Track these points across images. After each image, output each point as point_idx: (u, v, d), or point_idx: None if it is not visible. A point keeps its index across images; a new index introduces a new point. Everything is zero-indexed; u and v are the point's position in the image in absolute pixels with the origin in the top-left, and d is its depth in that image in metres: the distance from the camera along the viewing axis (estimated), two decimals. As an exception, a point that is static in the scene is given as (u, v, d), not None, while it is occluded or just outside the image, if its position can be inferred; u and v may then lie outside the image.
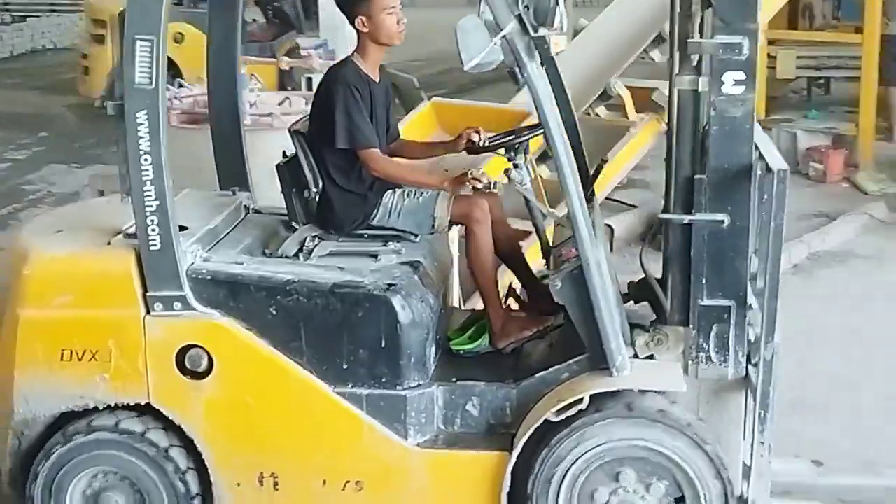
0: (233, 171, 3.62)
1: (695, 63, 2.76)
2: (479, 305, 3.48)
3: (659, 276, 3.04)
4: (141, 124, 2.70)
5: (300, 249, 3.11)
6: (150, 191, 2.74)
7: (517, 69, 2.65)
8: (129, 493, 2.95)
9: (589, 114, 5.73)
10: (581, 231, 2.73)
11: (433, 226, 3.21)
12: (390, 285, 2.87)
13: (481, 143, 3.31)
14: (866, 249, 6.24)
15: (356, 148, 3.04)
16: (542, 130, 3.19)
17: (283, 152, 3.36)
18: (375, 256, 3.11)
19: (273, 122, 4.43)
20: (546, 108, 2.68)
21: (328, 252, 3.12)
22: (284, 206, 3.38)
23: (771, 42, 8.26)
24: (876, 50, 7.76)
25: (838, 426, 4.11)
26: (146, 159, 2.72)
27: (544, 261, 3.38)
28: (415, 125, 5.72)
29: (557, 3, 2.58)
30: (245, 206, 3.52)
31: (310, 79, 5.61)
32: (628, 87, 5.60)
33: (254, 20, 11.00)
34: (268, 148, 4.01)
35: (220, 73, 3.60)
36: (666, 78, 5.57)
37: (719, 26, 2.64)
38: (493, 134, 3.43)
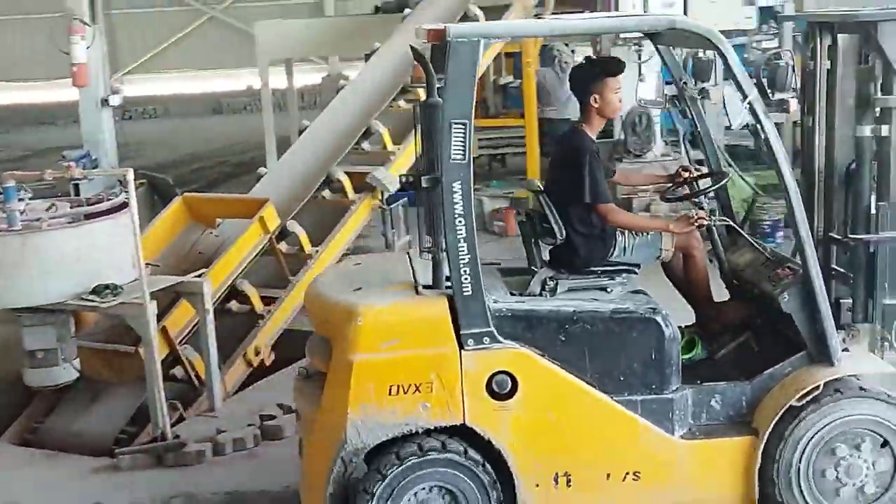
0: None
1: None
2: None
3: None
4: (456, 192, 3.15)
5: (543, 288, 3.60)
6: (463, 246, 3.18)
7: (758, 126, 3.24)
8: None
9: (316, 197, 6.59)
10: (809, 254, 3.31)
11: (658, 257, 3.78)
12: (653, 309, 3.38)
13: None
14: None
15: (599, 203, 3.56)
16: (725, 180, 3.85)
17: (517, 211, 3.86)
18: (605, 289, 3.62)
19: (42, 225, 4.84)
20: (781, 157, 3.27)
21: (567, 289, 3.59)
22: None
23: None
24: (535, 130, 9.45)
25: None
26: (460, 221, 3.16)
27: (727, 286, 3.99)
28: (169, 218, 6.14)
29: (794, 72, 3.21)
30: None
31: (76, 185, 6.16)
32: (346, 173, 6.46)
33: None
34: (40, 249, 4.72)
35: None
36: (374, 164, 6.44)
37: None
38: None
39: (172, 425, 4.83)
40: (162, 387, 4.68)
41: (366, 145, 6.79)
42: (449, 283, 3.28)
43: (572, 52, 11.01)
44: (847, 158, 3.63)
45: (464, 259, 3.19)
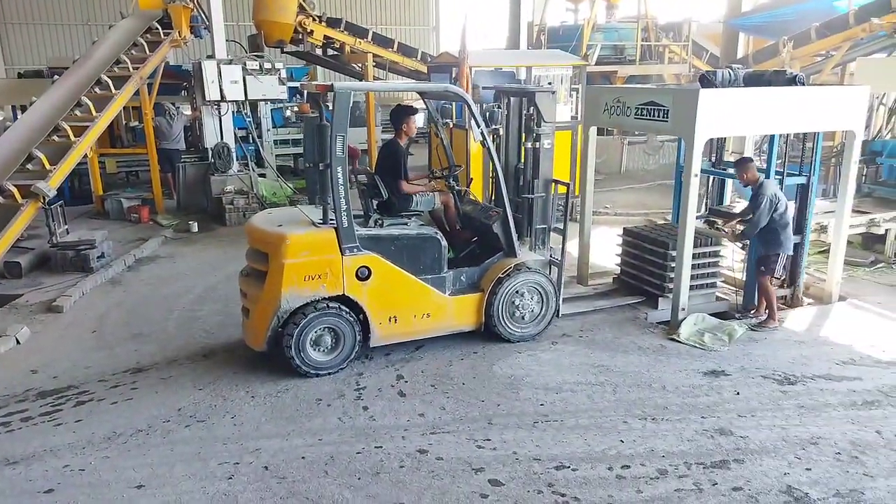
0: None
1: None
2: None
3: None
4: (338, 173, 5.21)
5: (376, 223, 5.73)
6: (342, 202, 5.26)
7: (483, 139, 5.70)
8: (331, 336, 5.44)
9: None
10: (506, 204, 5.93)
11: (434, 206, 6.19)
12: (435, 232, 5.76)
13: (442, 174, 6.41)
14: (165, 252, 9.80)
15: (402, 179, 5.92)
16: (459, 170, 6.36)
17: (360, 182, 6.04)
18: (406, 224, 5.88)
19: None
20: (495, 156, 5.85)
21: (389, 224, 5.77)
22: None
23: (101, 154, 12.73)
24: (155, 156, 11.87)
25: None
26: (339, 190, 5.23)
27: (461, 222, 6.50)
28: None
29: (499, 115, 5.80)
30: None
31: None
32: (15, 185, 7.52)
33: None
34: None
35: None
36: (37, 179, 7.68)
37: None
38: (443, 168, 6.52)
39: None
40: None
41: (30, 166, 7.98)
42: (332, 220, 5.35)
43: (177, 108, 13.57)
44: (518, 159, 6.43)
45: (343, 208, 5.28)
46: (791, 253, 6.62)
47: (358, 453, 4.46)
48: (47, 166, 7.89)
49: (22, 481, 4.25)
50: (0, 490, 4.17)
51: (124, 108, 11.30)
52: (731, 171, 7.38)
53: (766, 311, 6.60)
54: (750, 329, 6.42)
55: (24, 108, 14.87)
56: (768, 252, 6.43)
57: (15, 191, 7.45)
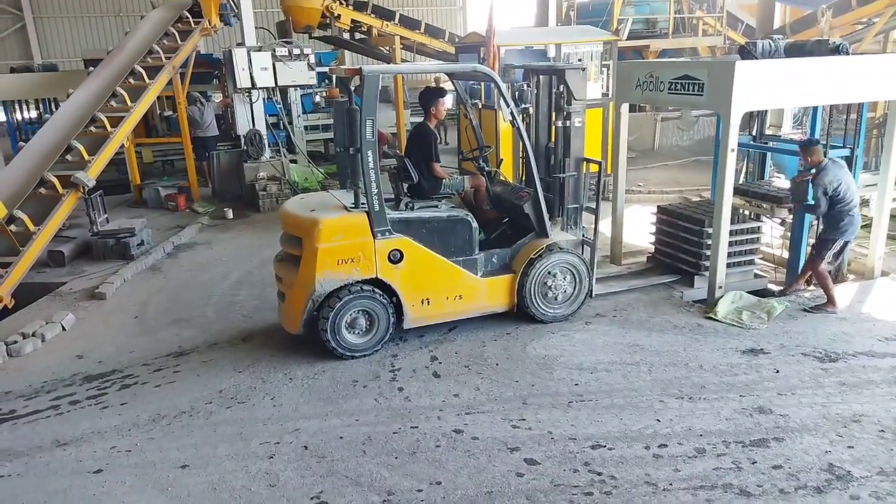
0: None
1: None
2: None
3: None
4: (369, 156, 5.22)
5: (407, 206, 5.73)
6: (373, 185, 5.27)
7: (513, 119, 5.67)
8: (366, 318, 5.48)
9: (35, 193, 7.52)
10: (536, 184, 5.89)
11: (464, 188, 6.17)
12: (466, 214, 5.74)
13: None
14: (202, 239, 9.95)
15: (434, 161, 5.88)
16: (488, 151, 6.30)
17: (391, 167, 6.03)
18: (437, 206, 5.87)
19: None
20: (524, 136, 5.77)
21: (420, 206, 5.76)
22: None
23: (138, 144, 12.79)
24: (189, 145, 11.98)
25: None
26: (370, 174, 5.23)
27: (491, 203, 6.45)
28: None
29: (529, 94, 5.72)
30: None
31: None
32: (56, 175, 7.65)
33: None
34: None
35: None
36: (76, 169, 7.76)
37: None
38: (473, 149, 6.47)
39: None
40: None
41: (69, 157, 8.05)
42: (364, 204, 5.36)
43: (208, 96, 13.54)
44: (548, 138, 6.34)
45: (374, 192, 5.28)
46: (851, 240, 6.30)
47: (394, 433, 4.50)
48: (86, 157, 8.06)
49: (72, 462, 4.38)
50: (52, 470, 4.30)
51: (158, 97, 11.46)
52: (772, 144, 7.22)
53: (802, 284, 6.46)
54: (806, 311, 6.22)
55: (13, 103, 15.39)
56: (826, 235, 6.20)
57: (56, 181, 7.61)
